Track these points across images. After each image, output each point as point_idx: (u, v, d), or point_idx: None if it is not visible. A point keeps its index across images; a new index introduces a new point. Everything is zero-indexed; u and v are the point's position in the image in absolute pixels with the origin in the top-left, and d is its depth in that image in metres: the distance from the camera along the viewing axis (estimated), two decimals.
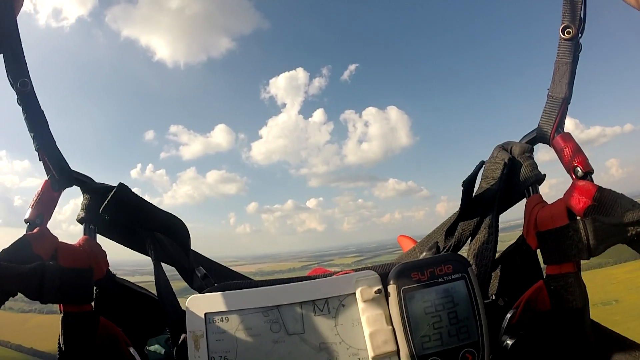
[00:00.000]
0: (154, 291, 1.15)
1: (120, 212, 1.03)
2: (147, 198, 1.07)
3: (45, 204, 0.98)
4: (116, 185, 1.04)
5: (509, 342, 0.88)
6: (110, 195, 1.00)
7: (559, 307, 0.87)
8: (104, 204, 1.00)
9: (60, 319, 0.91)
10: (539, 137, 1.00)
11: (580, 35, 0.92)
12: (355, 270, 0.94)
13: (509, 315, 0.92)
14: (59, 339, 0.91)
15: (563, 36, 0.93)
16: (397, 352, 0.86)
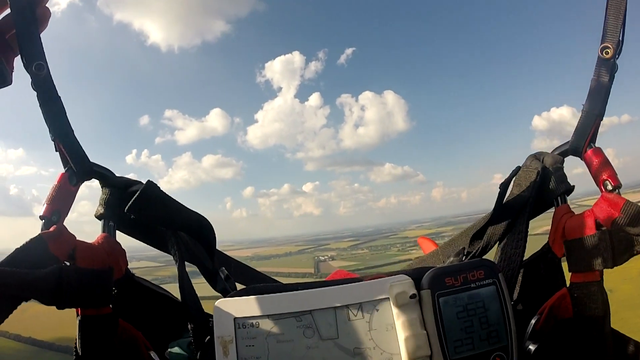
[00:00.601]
0: (166, 288, 1.13)
1: (147, 211, 0.96)
2: None
3: (62, 199, 0.92)
4: (132, 178, 1.00)
5: (532, 347, 0.91)
6: (138, 193, 0.94)
7: (581, 314, 0.91)
8: (130, 202, 0.94)
9: (77, 322, 0.87)
10: (571, 149, 1.02)
11: (617, 56, 0.95)
12: (388, 275, 0.94)
13: (533, 321, 0.94)
14: (75, 343, 0.88)
15: (601, 56, 0.96)
16: (431, 356, 0.86)
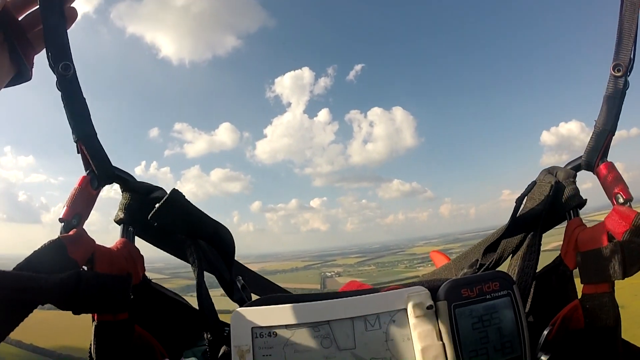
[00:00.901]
0: (176, 282, 1.11)
1: (171, 219, 0.96)
2: None
3: (83, 202, 0.90)
4: (153, 184, 1.00)
5: (544, 358, 0.91)
6: (163, 201, 0.93)
7: (593, 325, 0.91)
8: (155, 210, 0.93)
9: (93, 327, 0.86)
10: (584, 164, 1.04)
11: (629, 73, 0.98)
12: (404, 286, 0.94)
13: (545, 332, 0.95)
14: (90, 348, 0.87)
15: (614, 73, 0.99)
16: None
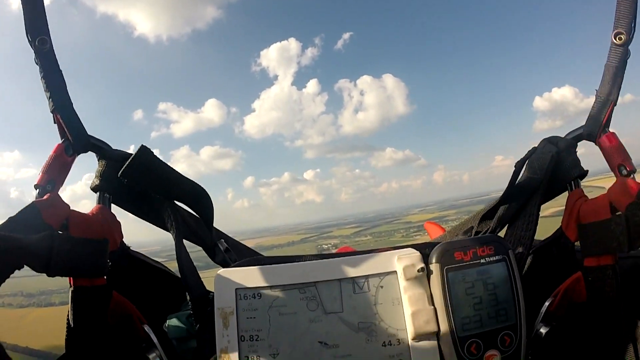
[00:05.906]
0: (168, 265, 1.11)
1: (142, 176, 0.95)
2: None
3: (57, 169, 0.91)
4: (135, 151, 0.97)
5: (543, 330, 0.90)
6: (132, 157, 0.93)
7: (595, 298, 0.89)
8: (124, 166, 0.93)
9: (70, 292, 0.85)
10: (585, 134, 1.02)
11: (630, 42, 0.95)
12: (395, 249, 0.91)
13: (547, 303, 0.93)
14: (67, 315, 0.86)
15: (615, 41, 0.96)
16: (437, 332, 0.84)
